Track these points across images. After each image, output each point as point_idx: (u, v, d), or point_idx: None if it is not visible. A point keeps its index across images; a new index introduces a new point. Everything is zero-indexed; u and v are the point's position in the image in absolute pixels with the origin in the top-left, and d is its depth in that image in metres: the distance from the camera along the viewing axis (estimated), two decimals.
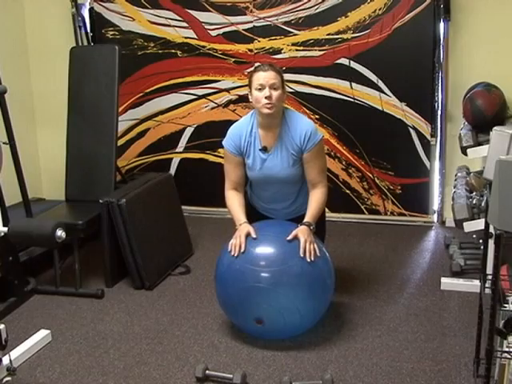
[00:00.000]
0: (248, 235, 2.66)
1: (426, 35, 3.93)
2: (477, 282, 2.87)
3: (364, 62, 4.09)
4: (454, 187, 3.54)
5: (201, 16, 4.32)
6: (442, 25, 3.88)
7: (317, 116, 4.26)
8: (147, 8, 4.40)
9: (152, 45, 4.45)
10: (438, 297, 3.12)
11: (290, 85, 4.21)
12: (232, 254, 2.63)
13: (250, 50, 4.29)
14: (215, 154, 4.48)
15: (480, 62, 3.86)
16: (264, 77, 2.69)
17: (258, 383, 2.43)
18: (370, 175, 4.28)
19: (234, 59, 4.33)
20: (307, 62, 4.19)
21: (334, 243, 3.76)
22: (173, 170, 4.61)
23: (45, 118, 4.68)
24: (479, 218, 3.20)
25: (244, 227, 2.70)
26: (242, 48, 4.30)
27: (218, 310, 2.91)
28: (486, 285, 2.18)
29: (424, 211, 4.26)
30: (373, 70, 4.09)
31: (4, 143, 3.05)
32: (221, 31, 4.31)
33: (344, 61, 4.13)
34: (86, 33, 4.46)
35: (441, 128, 4.08)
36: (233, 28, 4.28)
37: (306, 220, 2.74)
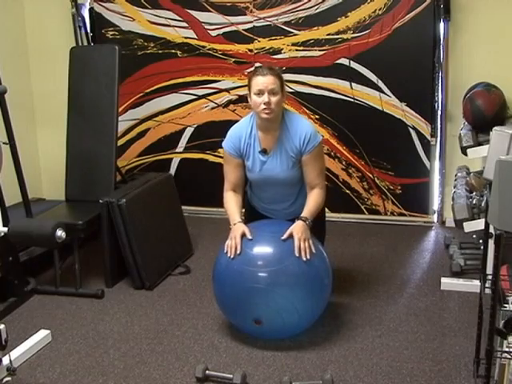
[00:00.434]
0: (243, 236, 2.66)
1: (426, 35, 3.93)
2: (477, 282, 2.87)
3: (364, 62, 4.09)
4: (454, 187, 3.54)
5: (201, 16, 4.32)
6: (441, 25, 3.88)
7: (317, 116, 4.26)
8: (147, 8, 4.40)
9: (152, 45, 4.45)
10: (438, 297, 3.12)
11: (290, 85, 4.21)
12: (228, 255, 2.63)
13: (250, 50, 4.29)
14: (215, 154, 4.48)
15: (480, 62, 3.86)
16: (263, 82, 2.67)
17: (258, 383, 2.43)
18: (370, 175, 4.28)
19: (234, 59, 4.33)
20: (307, 62, 4.19)
21: (333, 243, 3.76)
22: (173, 170, 4.61)
23: (45, 118, 4.68)
24: (479, 218, 3.20)
25: (238, 227, 2.69)
26: (242, 48, 4.30)
27: (218, 310, 2.90)
28: (486, 285, 2.18)
29: (424, 211, 4.26)
30: (373, 70, 4.09)
31: (4, 143, 3.05)
32: (221, 31, 4.31)
33: (344, 61, 4.13)
34: (86, 33, 4.46)
35: (441, 128, 4.08)
36: (233, 28, 4.28)
37: (302, 215, 2.73)
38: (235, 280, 2.61)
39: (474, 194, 3.35)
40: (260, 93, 2.67)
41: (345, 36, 4.08)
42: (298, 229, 2.65)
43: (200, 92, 4.45)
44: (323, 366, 2.53)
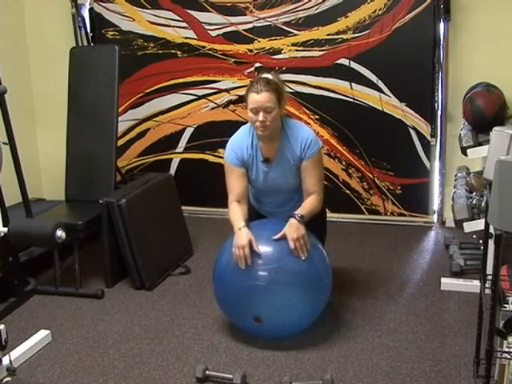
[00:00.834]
0: (250, 244, 2.58)
1: (426, 35, 3.92)
2: (477, 283, 2.87)
3: (364, 62, 4.09)
4: (454, 187, 3.54)
5: (201, 16, 4.32)
6: (441, 25, 3.88)
7: (317, 116, 4.26)
8: (147, 8, 4.40)
9: (152, 45, 4.45)
10: (438, 297, 3.12)
11: (290, 85, 4.20)
12: (239, 266, 2.57)
13: (250, 51, 4.29)
14: (215, 154, 4.48)
15: (480, 62, 3.86)
16: (257, 101, 2.62)
17: (258, 383, 2.43)
18: (370, 175, 4.28)
19: (234, 59, 4.33)
20: (307, 62, 4.19)
21: (333, 243, 3.76)
22: (173, 170, 4.61)
23: (45, 118, 4.68)
24: (479, 219, 3.20)
25: (244, 234, 2.60)
26: (242, 48, 4.30)
27: (218, 310, 2.90)
28: (486, 285, 2.18)
29: (424, 211, 4.26)
30: (373, 71, 4.09)
31: (4, 143, 3.05)
32: (221, 31, 4.31)
33: (344, 61, 4.13)
34: (86, 33, 4.46)
35: (441, 128, 4.08)
36: (233, 28, 4.28)
37: (295, 212, 2.69)
38: (235, 278, 2.61)
39: (474, 194, 3.35)
40: (255, 111, 2.65)
41: (345, 36, 4.08)
42: (290, 229, 2.61)
43: (200, 92, 4.45)
44: (323, 366, 2.53)
